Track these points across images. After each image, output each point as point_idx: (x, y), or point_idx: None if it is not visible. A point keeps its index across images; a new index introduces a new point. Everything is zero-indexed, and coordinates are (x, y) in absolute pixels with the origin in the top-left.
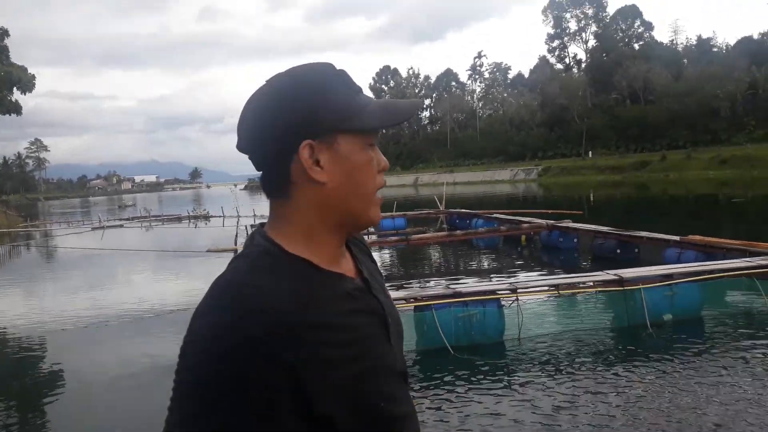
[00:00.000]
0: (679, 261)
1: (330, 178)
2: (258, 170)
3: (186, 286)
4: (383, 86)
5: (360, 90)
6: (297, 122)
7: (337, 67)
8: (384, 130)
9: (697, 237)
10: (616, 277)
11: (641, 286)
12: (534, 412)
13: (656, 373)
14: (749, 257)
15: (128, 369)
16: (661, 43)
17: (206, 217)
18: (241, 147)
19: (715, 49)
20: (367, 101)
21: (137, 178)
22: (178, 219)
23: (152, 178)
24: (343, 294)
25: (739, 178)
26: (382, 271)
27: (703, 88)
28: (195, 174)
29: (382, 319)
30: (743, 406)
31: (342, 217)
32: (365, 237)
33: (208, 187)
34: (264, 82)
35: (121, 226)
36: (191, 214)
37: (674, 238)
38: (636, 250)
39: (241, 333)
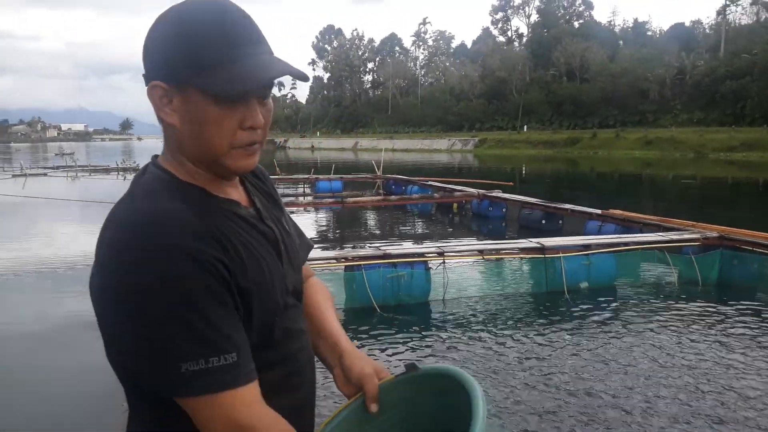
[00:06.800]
0: (599, 233)
1: (179, 121)
2: None
3: None
4: (326, 46)
5: (252, 41)
6: (157, 61)
7: (239, 11)
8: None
9: (617, 211)
10: (538, 245)
11: (561, 255)
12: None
13: (571, 336)
14: (663, 232)
15: (47, 323)
16: (600, 23)
17: (136, 170)
18: None
19: (649, 33)
20: (246, 54)
21: (64, 126)
22: (106, 170)
23: (80, 127)
24: (236, 217)
25: (662, 158)
26: (317, 231)
27: (636, 70)
28: (126, 125)
29: (274, 243)
30: (648, 366)
31: (199, 159)
32: (302, 198)
33: (140, 139)
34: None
35: (45, 174)
36: (120, 165)
37: (596, 212)
38: (560, 222)
39: (177, 249)
